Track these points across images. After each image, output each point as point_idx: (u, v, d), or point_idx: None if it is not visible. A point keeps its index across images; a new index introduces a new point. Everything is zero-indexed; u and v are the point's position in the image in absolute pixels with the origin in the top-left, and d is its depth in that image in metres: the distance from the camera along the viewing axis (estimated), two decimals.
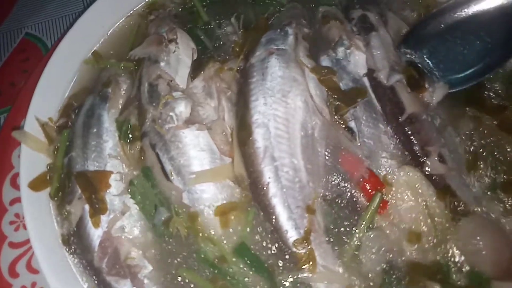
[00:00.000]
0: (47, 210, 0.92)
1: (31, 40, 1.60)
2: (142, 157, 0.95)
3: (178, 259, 0.86)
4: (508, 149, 0.93)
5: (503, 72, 1.00)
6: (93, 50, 1.12)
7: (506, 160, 0.92)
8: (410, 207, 0.87)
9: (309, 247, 0.82)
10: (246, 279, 0.84)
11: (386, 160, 0.92)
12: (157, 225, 0.88)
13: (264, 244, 0.86)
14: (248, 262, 0.84)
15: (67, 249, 0.89)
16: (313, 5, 1.15)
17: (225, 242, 0.87)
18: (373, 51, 1.03)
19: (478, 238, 0.82)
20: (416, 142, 0.92)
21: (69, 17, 1.65)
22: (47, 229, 0.89)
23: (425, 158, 0.90)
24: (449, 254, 0.83)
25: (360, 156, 0.92)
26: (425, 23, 1.04)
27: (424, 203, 0.86)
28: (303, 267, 0.81)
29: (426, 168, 0.90)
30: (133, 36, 1.15)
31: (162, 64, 1.01)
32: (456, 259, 0.82)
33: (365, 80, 1.00)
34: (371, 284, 0.81)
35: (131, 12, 1.18)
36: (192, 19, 1.15)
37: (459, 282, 0.81)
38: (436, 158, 0.90)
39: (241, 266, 0.85)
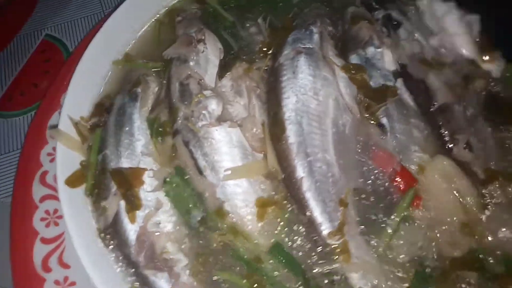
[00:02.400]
0: (83, 206, 0.94)
1: (51, 41, 1.62)
2: (174, 154, 0.97)
3: (213, 255, 0.88)
4: None
5: None
6: (124, 52, 1.14)
7: None
8: (444, 196, 0.88)
9: (343, 239, 0.84)
10: (279, 275, 0.85)
11: (418, 153, 0.94)
12: (193, 227, 0.90)
13: (299, 238, 0.88)
14: (283, 261, 0.86)
15: (104, 243, 0.90)
16: (337, 5, 1.18)
17: (259, 237, 0.88)
18: (403, 45, 1.06)
19: (510, 223, 0.84)
20: (446, 131, 0.95)
21: (88, 18, 1.68)
22: (85, 224, 0.90)
23: (454, 146, 0.93)
24: (484, 243, 0.84)
25: (391, 151, 0.94)
26: None
27: (457, 192, 0.88)
28: (337, 258, 0.83)
29: (456, 155, 0.92)
30: (156, 37, 1.17)
31: (191, 63, 1.03)
32: (491, 247, 0.84)
33: (396, 77, 1.02)
34: (404, 275, 0.82)
35: (158, 15, 1.20)
36: (216, 21, 1.17)
37: (495, 270, 0.82)
38: (463, 146, 0.93)
39: (275, 263, 0.86)
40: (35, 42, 1.63)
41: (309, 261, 0.86)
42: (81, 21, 1.68)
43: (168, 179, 0.93)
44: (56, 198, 1.02)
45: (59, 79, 1.26)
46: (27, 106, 1.48)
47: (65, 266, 1.04)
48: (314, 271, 0.84)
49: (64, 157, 0.96)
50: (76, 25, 1.67)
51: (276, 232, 0.89)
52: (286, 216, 0.90)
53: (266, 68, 1.06)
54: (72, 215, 0.89)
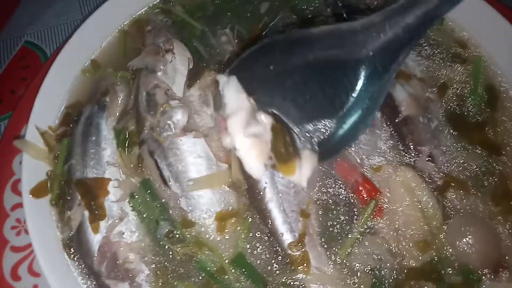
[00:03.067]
0: (48, 216, 0.94)
1: (31, 48, 1.62)
2: (140, 165, 0.98)
3: (175, 265, 0.89)
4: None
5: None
6: (91, 60, 1.14)
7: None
8: (406, 208, 0.90)
9: (303, 249, 0.85)
10: (241, 286, 0.86)
11: (382, 164, 0.95)
12: (160, 239, 0.91)
13: (261, 248, 0.89)
14: (245, 272, 0.87)
15: (68, 253, 0.91)
16: (305, 14, 1.19)
17: (222, 247, 0.89)
18: None
19: (468, 235, 0.85)
20: (409, 142, 0.97)
21: (68, 25, 1.67)
22: (49, 234, 0.91)
23: (417, 157, 0.95)
24: (442, 253, 0.86)
25: (354, 162, 0.95)
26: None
27: (419, 203, 0.90)
28: (297, 268, 0.84)
29: (419, 167, 0.94)
30: (122, 47, 1.17)
31: (159, 73, 1.03)
32: (449, 258, 0.85)
33: None
34: (362, 285, 0.84)
35: (124, 24, 1.21)
36: (187, 30, 1.18)
37: (452, 280, 0.84)
38: (426, 158, 0.95)
39: (237, 275, 0.87)
40: (14, 49, 1.63)
41: (270, 271, 0.87)
42: (61, 28, 1.67)
43: (134, 194, 0.94)
44: None
45: (34, 87, 1.27)
46: (4, 113, 1.48)
47: (35, 274, 1.04)
48: (275, 281, 0.86)
49: (30, 167, 0.96)
50: (55, 32, 1.66)
51: (238, 242, 0.90)
52: (248, 226, 0.91)
53: None
54: (36, 225, 0.90)
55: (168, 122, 0.96)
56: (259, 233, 0.90)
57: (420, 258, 0.85)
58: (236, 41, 1.12)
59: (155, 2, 1.25)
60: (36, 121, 1.01)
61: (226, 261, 0.87)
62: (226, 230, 0.90)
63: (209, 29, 1.18)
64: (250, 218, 0.91)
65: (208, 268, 0.87)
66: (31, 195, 0.93)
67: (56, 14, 1.70)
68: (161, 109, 0.97)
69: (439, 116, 1.02)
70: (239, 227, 0.91)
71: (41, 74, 1.26)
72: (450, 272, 0.85)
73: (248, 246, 0.89)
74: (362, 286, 0.83)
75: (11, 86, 1.55)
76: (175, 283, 0.86)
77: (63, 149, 0.99)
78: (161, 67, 1.04)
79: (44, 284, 1.01)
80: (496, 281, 0.82)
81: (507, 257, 0.85)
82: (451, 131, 1.00)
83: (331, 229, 0.89)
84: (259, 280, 0.86)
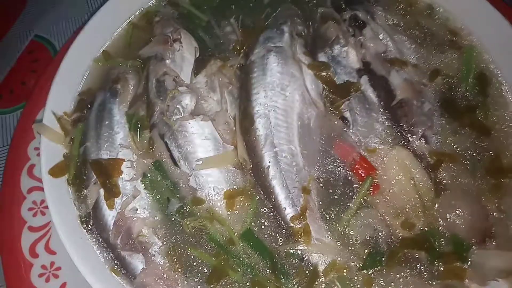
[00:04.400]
0: (66, 194, 1.00)
1: (40, 41, 1.68)
2: (151, 147, 1.04)
3: (186, 238, 0.95)
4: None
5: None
6: (102, 50, 1.20)
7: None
8: (400, 184, 0.96)
9: (304, 222, 0.91)
10: (249, 257, 0.93)
11: (378, 144, 1.01)
12: (171, 215, 0.97)
13: (266, 222, 0.95)
14: (253, 246, 0.93)
15: (86, 228, 0.97)
16: (307, 6, 1.25)
17: (231, 222, 0.95)
18: (368, 44, 1.13)
19: (458, 208, 0.91)
20: (404, 124, 1.03)
21: (76, 19, 1.73)
22: (67, 211, 0.97)
23: (411, 138, 1.01)
24: (434, 225, 0.92)
25: (352, 142, 1.01)
26: None
27: (412, 179, 0.96)
28: (299, 240, 0.90)
29: (413, 147, 1.00)
30: (131, 38, 1.23)
31: (168, 61, 1.09)
32: (440, 229, 0.92)
33: (360, 75, 1.09)
34: (360, 253, 0.90)
35: (133, 16, 1.27)
36: (193, 21, 1.24)
37: (443, 249, 0.90)
38: (420, 138, 1.01)
39: (246, 248, 0.93)
40: (24, 43, 1.69)
41: (275, 242, 0.93)
42: (69, 22, 1.73)
43: (147, 174, 1.00)
44: (42, 189, 1.09)
45: (45, 78, 1.33)
46: (16, 104, 1.55)
47: (52, 252, 1.12)
48: (280, 251, 0.92)
49: (48, 149, 1.02)
50: (64, 26, 1.72)
51: (246, 217, 0.96)
52: (255, 203, 0.97)
53: (239, 65, 1.13)
54: (55, 203, 0.96)
55: (177, 106, 1.02)
56: (265, 209, 0.97)
57: (413, 228, 0.91)
58: (240, 30, 1.18)
59: None
60: (52, 107, 1.07)
61: (235, 234, 0.94)
62: (234, 207, 0.96)
63: (214, 20, 1.24)
64: (257, 196, 0.97)
65: (218, 240, 0.93)
66: (50, 175, 0.99)
67: (64, 9, 1.77)
68: (170, 94, 1.03)
69: (432, 100, 1.08)
70: (247, 204, 0.97)
71: (51, 66, 1.33)
72: (442, 242, 0.91)
73: (255, 221, 0.95)
74: (360, 254, 0.90)
75: (22, 79, 1.62)
76: (188, 251, 0.92)
77: (78, 133, 1.05)
78: (170, 55, 1.10)
79: (60, 261, 1.09)
80: (483, 249, 0.88)
81: (493, 228, 0.91)
82: (444, 114, 1.06)
83: (330, 204, 0.95)
84: (266, 253, 0.92)
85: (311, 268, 0.89)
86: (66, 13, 1.75)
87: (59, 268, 1.09)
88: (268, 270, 0.90)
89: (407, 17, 1.24)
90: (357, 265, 0.89)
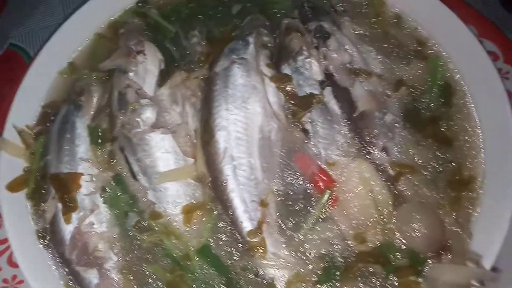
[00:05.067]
0: (24, 209, 1.00)
1: (15, 50, 1.68)
2: (112, 160, 1.03)
3: (142, 253, 0.95)
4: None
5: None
6: (68, 62, 1.20)
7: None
8: (359, 196, 0.95)
9: (261, 236, 0.91)
10: (205, 273, 0.93)
11: (339, 156, 1.01)
12: (128, 229, 0.97)
13: (223, 236, 0.95)
14: (209, 262, 0.93)
15: (42, 244, 0.97)
16: (275, 17, 1.25)
17: (188, 236, 0.95)
18: (331, 55, 1.13)
19: (415, 221, 0.91)
20: (365, 136, 1.02)
21: (51, 28, 1.72)
22: (24, 226, 0.97)
23: (372, 150, 1.01)
24: (391, 238, 0.92)
25: (312, 155, 1.01)
26: None
27: (371, 193, 0.95)
28: (255, 254, 0.90)
29: (374, 159, 1.00)
30: (98, 50, 1.23)
31: (130, 74, 1.09)
32: (397, 242, 0.92)
33: (323, 86, 1.09)
34: (315, 268, 0.90)
35: (101, 27, 1.26)
36: (160, 33, 1.23)
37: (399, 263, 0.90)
38: (381, 150, 1.01)
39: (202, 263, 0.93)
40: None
41: (231, 257, 0.93)
42: (44, 31, 1.72)
43: (105, 188, 1.00)
44: None
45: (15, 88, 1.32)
46: None
47: (14, 265, 1.10)
48: (236, 266, 0.92)
49: (7, 164, 1.02)
50: (39, 34, 1.72)
51: (204, 232, 0.96)
52: (213, 218, 0.97)
53: (203, 77, 1.12)
54: (12, 218, 0.96)
55: (137, 119, 1.02)
56: (223, 223, 0.96)
57: (369, 242, 0.91)
58: (204, 42, 1.18)
59: (131, 5, 1.31)
60: (14, 120, 1.07)
61: (191, 249, 0.93)
62: (192, 222, 0.96)
63: (182, 31, 1.24)
64: (215, 211, 0.96)
65: (175, 255, 0.93)
66: (7, 190, 0.99)
67: (41, 18, 1.75)
68: (131, 107, 1.03)
69: (395, 111, 1.08)
70: (205, 219, 0.97)
71: (23, 76, 1.32)
72: (398, 255, 0.91)
73: (213, 235, 0.95)
74: (315, 269, 0.90)
75: None
76: (144, 267, 0.92)
77: (39, 146, 1.05)
78: (133, 68, 1.10)
79: (22, 275, 1.08)
80: (438, 263, 0.88)
81: (450, 241, 0.91)
82: (406, 125, 1.06)
83: (289, 217, 0.95)
84: (222, 268, 0.92)
85: (267, 283, 0.89)
86: (43, 22, 1.75)
87: (21, 282, 1.08)
88: (223, 285, 0.90)
89: (374, 27, 1.24)
90: (313, 279, 0.89)
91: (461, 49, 1.15)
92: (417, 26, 1.22)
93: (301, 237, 0.92)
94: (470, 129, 1.07)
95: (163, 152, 1.00)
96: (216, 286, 0.90)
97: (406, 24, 1.23)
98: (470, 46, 1.13)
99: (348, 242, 0.93)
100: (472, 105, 1.10)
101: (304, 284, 0.88)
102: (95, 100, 1.11)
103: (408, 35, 1.22)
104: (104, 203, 0.98)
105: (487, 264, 0.87)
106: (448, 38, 1.17)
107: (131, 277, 0.91)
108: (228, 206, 0.95)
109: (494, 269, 0.88)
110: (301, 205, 0.96)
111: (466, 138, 1.06)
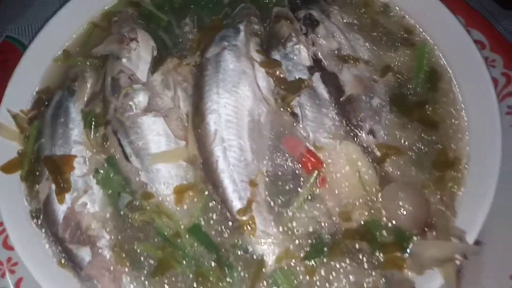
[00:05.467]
0: (18, 190, 1.02)
1: (11, 42, 1.70)
2: (105, 143, 1.06)
3: (134, 231, 0.97)
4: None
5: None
6: (63, 49, 1.22)
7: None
8: (346, 177, 0.98)
9: (250, 214, 0.93)
10: (194, 250, 0.95)
11: (327, 139, 1.03)
12: (121, 209, 0.99)
13: (214, 215, 0.97)
14: (200, 239, 0.95)
15: (35, 223, 0.99)
16: (265, 5, 1.27)
17: (180, 216, 0.97)
18: (320, 42, 1.16)
19: (401, 200, 0.93)
20: (353, 119, 1.05)
21: (47, 21, 1.74)
22: (18, 207, 0.99)
23: (359, 132, 1.04)
24: (377, 216, 0.94)
25: (301, 137, 1.04)
26: None
27: (358, 173, 0.98)
28: (245, 232, 0.92)
29: (361, 141, 1.03)
30: (91, 37, 1.25)
31: (124, 60, 1.11)
32: (383, 220, 0.94)
33: (312, 71, 1.12)
34: (303, 245, 0.92)
35: (95, 16, 1.29)
36: (153, 21, 1.26)
37: (385, 240, 0.92)
38: (368, 133, 1.03)
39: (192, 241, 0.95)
40: None
41: (221, 235, 0.96)
42: (41, 23, 1.74)
43: (99, 169, 1.02)
44: None
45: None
46: None
47: (9, 248, 1.12)
48: (226, 243, 0.94)
49: (1, 146, 1.04)
50: (36, 27, 1.74)
51: (194, 211, 0.98)
52: (204, 198, 0.99)
53: (195, 63, 1.15)
54: (6, 199, 0.98)
55: (130, 103, 1.04)
56: (213, 203, 0.99)
57: (356, 220, 0.93)
58: (195, 30, 1.20)
59: None
60: (9, 105, 1.09)
61: (182, 227, 0.95)
62: (183, 202, 0.98)
63: (174, 20, 1.27)
64: (206, 191, 0.99)
65: (165, 233, 0.95)
66: (1, 171, 1.01)
67: (37, 10, 1.77)
68: (124, 91, 1.06)
69: (382, 96, 1.10)
70: (196, 199, 0.99)
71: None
72: (384, 232, 0.93)
73: (203, 215, 0.97)
74: (304, 245, 0.92)
75: None
76: (135, 245, 0.94)
77: (33, 130, 1.07)
78: (126, 54, 1.12)
79: (18, 256, 1.10)
80: (423, 239, 0.90)
81: (434, 219, 0.93)
82: (393, 109, 1.08)
83: (277, 196, 0.97)
84: (211, 246, 0.94)
85: (256, 259, 0.91)
86: (38, 15, 1.76)
87: (16, 264, 1.10)
88: (213, 262, 0.92)
89: (363, 16, 1.27)
90: (301, 255, 0.91)
91: (448, 36, 1.17)
92: (405, 13, 1.25)
93: (290, 215, 0.95)
94: (455, 113, 1.10)
95: (155, 134, 1.03)
96: (206, 263, 0.92)
97: (394, 12, 1.26)
98: (456, 33, 1.16)
99: (335, 220, 0.95)
100: (458, 90, 1.13)
101: (293, 260, 0.90)
102: (88, 86, 1.14)
103: (396, 23, 1.25)
104: (97, 184, 1.00)
105: (470, 239, 0.90)
106: (435, 26, 1.20)
107: (123, 255, 0.93)
108: (219, 186, 0.97)
109: (476, 242, 0.90)
110: (290, 185, 0.99)
111: (452, 121, 1.09)
